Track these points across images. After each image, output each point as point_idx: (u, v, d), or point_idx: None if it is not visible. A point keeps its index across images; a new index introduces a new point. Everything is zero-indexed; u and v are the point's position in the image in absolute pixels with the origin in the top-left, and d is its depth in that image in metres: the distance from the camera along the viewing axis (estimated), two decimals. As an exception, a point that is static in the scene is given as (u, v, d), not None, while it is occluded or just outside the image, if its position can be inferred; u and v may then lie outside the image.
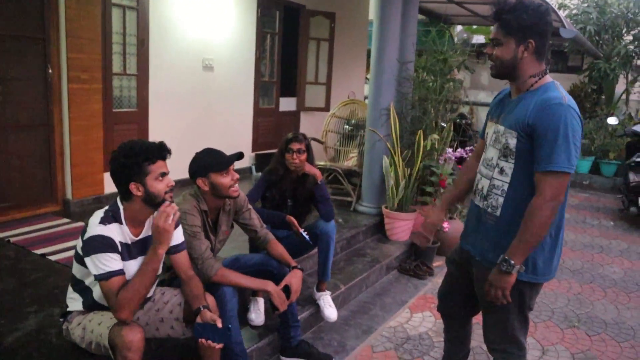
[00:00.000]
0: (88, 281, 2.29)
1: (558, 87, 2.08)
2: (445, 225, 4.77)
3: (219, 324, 2.26)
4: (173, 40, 5.65)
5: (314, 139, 5.88)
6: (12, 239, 4.06)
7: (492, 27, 2.22)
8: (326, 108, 7.76)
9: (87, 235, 2.14)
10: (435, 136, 4.78)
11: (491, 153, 2.21)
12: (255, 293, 3.32)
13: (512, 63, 2.07)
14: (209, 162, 2.68)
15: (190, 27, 5.80)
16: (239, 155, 2.75)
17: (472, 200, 2.37)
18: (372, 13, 6.20)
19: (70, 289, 2.39)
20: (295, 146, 3.40)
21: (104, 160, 5.12)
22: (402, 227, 4.96)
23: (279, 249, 2.99)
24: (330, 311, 3.54)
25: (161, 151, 2.19)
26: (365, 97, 8.71)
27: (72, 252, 3.77)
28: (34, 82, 4.59)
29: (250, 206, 3.03)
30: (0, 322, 2.81)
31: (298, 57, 7.46)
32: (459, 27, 9.95)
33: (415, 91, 5.19)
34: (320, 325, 3.63)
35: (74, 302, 2.36)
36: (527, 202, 2.01)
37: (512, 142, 2.07)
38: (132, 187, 2.16)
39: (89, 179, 5.03)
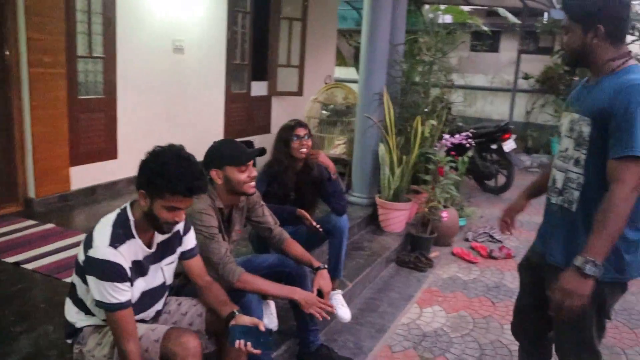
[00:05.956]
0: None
1: None
2: (444, 215, 4.61)
3: (262, 327, 2.02)
4: (141, 19, 5.16)
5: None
6: (-26, 246, 3.57)
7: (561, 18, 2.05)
8: (299, 92, 7.43)
9: (93, 254, 1.86)
10: (433, 122, 4.59)
11: (566, 143, 2.03)
12: (265, 296, 3.06)
13: (581, 50, 1.94)
14: (227, 153, 2.42)
15: (159, 5, 5.32)
16: (261, 151, 2.55)
17: (548, 197, 2.17)
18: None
19: (69, 302, 2.08)
20: (302, 132, 3.21)
21: (69, 153, 4.63)
22: (398, 217, 4.77)
23: (298, 248, 2.77)
24: (343, 311, 3.32)
25: (191, 190, 1.88)
26: (337, 82, 8.45)
27: (49, 259, 3.44)
28: (-13, 66, 4.05)
29: (263, 202, 2.78)
30: (-16, 348, 2.42)
31: (269, 37, 7.07)
32: (427, 7, 9.78)
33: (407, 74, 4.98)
34: (331, 326, 3.42)
35: (85, 317, 2.05)
36: (603, 195, 1.83)
37: (586, 130, 1.91)
38: (140, 194, 1.92)
39: (53, 174, 4.53)
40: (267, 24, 7.04)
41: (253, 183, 2.47)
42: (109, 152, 5.02)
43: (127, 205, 1.99)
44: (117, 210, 1.98)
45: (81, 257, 1.92)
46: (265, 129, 7.31)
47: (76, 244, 3.72)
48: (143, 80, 5.30)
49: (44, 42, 4.24)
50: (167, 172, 1.84)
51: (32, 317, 2.73)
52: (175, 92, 5.71)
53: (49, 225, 4.07)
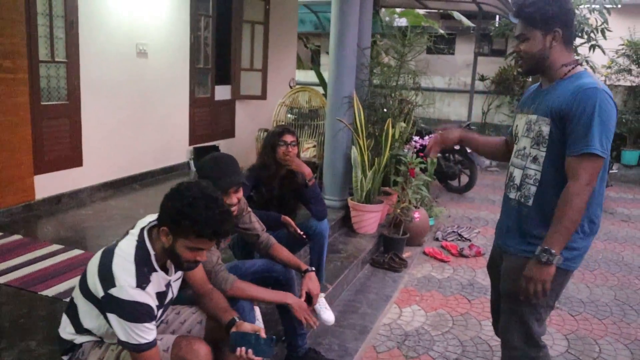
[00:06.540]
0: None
1: (592, 74, 2.08)
2: (416, 215, 4.69)
3: (263, 334, 2.01)
4: (104, 23, 5.02)
5: (265, 130, 5.57)
6: (-62, 262, 3.38)
7: (516, 24, 2.15)
8: (263, 96, 7.38)
9: (117, 294, 1.75)
10: (403, 124, 4.67)
11: (523, 143, 2.17)
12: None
13: (541, 55, 2.07)
14: (207, 173, 2.37)
15: (122, 8, 5.19)
16: (240, 183, 2.45)
17: (505, 193, 2.30)
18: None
19: (66, 321, 1.99)
20: (289, 139, 3.24)
21: (33, 161, 4.45)
22: (371, 219, 4.82)
23: (285, 253, 2.76)
24: (327, 314, 3.31)
25: (218, 235, 1.82)
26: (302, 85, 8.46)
27: (21, 272, 3.30)
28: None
29: (250, 209, 2.76)
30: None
31: (232, 41, 6.99)
32: (383, 10, 9.94)
33: (374, 78, 5.04)
34: (315, 329, 3.40)
35: (84, 335, 1.97)
36: (558, 190, 1.98)
37: (546, 129, 2.04)
38: (163, 231, 1.83)
39: (16, 184, 4.34)
40: (229, 27, 6.98)
41: (232, 208, 2.38)
42: (74, 159, 4.84)
43: (145, 234, 1.89)
44: (134, 242, 1.87)
45: (99, 292, 1.79)
46: (230, 134, 7.24)
47: (48, 255, 3.60)
48: (107, 85, 5.15)
49: (4, 46, 4.06)
50: (194, 214, 1.76)
51: (9, 333, 2.61)
52: (139, 97, 5.59)
53: (16, 237, 3.91)
